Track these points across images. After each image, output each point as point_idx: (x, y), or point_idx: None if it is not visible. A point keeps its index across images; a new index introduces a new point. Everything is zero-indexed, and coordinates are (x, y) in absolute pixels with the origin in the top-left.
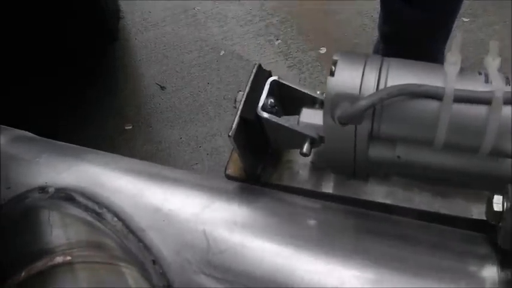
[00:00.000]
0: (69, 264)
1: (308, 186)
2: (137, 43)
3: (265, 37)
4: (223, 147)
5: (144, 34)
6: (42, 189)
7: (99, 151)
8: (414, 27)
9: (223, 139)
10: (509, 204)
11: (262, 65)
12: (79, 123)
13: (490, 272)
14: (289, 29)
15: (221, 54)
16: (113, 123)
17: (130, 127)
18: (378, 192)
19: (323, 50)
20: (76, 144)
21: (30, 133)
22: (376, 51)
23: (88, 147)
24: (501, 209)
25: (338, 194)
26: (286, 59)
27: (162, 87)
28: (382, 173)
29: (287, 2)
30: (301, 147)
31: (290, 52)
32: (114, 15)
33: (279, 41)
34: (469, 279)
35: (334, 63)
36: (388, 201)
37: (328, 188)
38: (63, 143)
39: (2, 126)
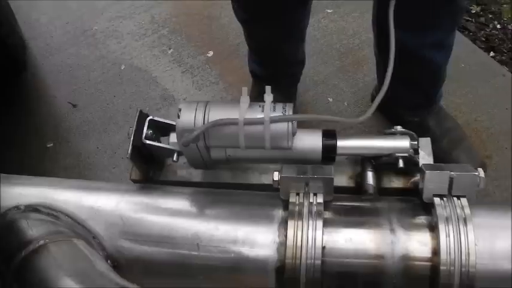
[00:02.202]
0: (44, 245)
1: (183, 179)
2: (45, 67)
3: (159, 48)
4: None
5: (50, 58)
6: (17, 207)
7: (46, 177)
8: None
9: None
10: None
11: (158, 74)
12: (1, 147)
13: (278, 213)
14: (179, 38)
15: (122, 68)
16: (34, 143)
17: (51, 144)
18: (225, 176)
19: (210, 54)
20: (4, 164)
21: None
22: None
23: (14, 166)
24: (277, 178)
25: (202, 181)
26: (180, 66)
27: (74, 105)
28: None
29: (174, 13)
30: (172, 157)
31: (182, 59)
32: (20, 47)
33: (172, 50)
34: (267, 217)
35: (179, 110)
36: (229, 181)
37: (196, 178)
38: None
39: None
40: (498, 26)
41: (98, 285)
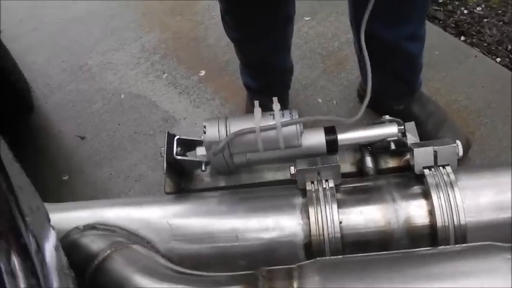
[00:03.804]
0: (110, 254)
1: (211, 185)
2: (48, 106)
3: (154, 74)
4: (146, 172)
5: (52, 97)
6: (76, 228)
7: (93, 200)
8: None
9: (145, 165)
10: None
11: (157, 98)
12: None
13: (299, 200)
14: (170, 62)
15: (122, 97)
16: (50, 178)
17: (67, 177)
18: (244, 178)
19: (203, 73)
20: None
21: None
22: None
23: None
24: (293, 171)
25: (227, 185)
26: (175, 88)
27: (82, 138)
28: (244, 167)
29: (162, 39)
30: (201, 168)
31: (177, 81)
32: (27, 90)
33: (166, 74)
34: (290, 206)
35: (204, 126)
36: (250, 181)
37: (221, 183)
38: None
39: None
40: (465, 12)
41: (165, 274)
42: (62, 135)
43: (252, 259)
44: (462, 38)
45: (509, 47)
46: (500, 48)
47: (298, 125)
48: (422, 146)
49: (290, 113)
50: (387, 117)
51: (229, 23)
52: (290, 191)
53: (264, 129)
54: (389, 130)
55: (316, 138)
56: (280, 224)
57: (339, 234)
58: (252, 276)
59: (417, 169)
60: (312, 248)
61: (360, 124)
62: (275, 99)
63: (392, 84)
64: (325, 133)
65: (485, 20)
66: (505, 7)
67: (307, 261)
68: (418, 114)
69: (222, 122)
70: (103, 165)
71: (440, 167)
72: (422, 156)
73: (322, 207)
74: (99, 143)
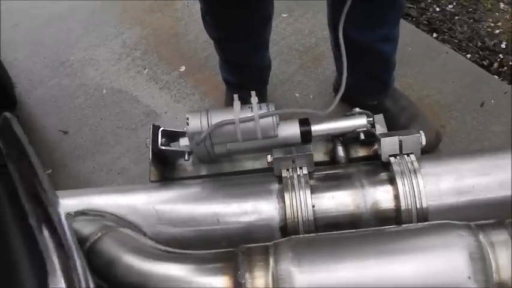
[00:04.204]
0: (101, 237)
1: (193, 174)
2: (31, 101)
3: (135, 69)
4: (128, 165)
5: (34, 92)
6: (68, 214)
7: (81, 189)
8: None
9: (128, 159)
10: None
11: (138, 93)
12: None
13: (275, 186)
14: (151, 58)
15: (104, 92)
16: None
17: (50, 171)
18: (225, 167)
19: (183, 68)
20: None
21: None
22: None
23: None
24: (270, 160)
25: (208, 173)
26: (156, 83)
27: (65, 132)
28: (225, 157)
29: (143, 35)
30: (184, 157)
31: (157, 76)
32: (10, 86)
33: (147, 69)
34: (267, 191)
35: (187, 118)
36: (230, 170)
37: (203, 171)
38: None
39: None
40: (437, 9)
41: (152, 253)
42: (44, 130)
43: (232, 241)
44: (434, 35)
45: (479, 43)
46: (470, 44)
47: (274, 117)
48: (389, 136)
49: (267, 106)
50: (357, 109)
51: (210, 22)
52: (267, 178)
53: (243, 120)
54: (359, 122)
55: (291, 130)
56: (258, 209)
57: (312, 218)
58: (232, 253)
59: (384, 157)
60: (288, 230)
61: (333, 116)
62: (253, 92)
63: (366, 82)
64: (299, 124)
65: (457, 17)
66: (475, 5)
67: (282, 239)
68: (391, 109)
69: (204, 114)
70: (86, 159)
71: (405, 155)
72: (388, 145)
73: (297, 193)
74: (81, 138)
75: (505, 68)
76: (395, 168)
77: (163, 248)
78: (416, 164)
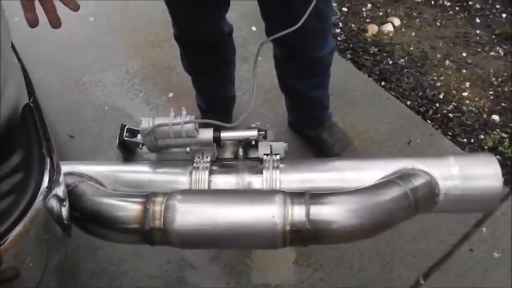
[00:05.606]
0: (78, 184)
1: (146, 159)
2: (47, 110)
3: (133, 92)
4: None
5: (51, 102)
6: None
7: (71, 161)
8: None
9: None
10: (189, 150)
11: (133, 112)
12: None
13: (190, 167)
14: (147, 84)
15: (106, 109)
16: None
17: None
18: (166, 155)
19: (171, 95)
20: None
21: None
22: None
23: None
24: (188, 151)
25: (156, 159)
26: (148, 105)
27: (72, 136)
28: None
29: (143, 65)
30: (139, 147)
31: (150, 100)
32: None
33: (142, 93)
34: (184, 169)
35: (141, 120)
36: (169, 158)
37: (152, 157)
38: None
39: None
40: (390, 62)
41: (110, 191)
42: (56, 133)
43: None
44: (383, 83)
45: (420, 93)
46: (412, 93)
47: (194, 124)
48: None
49: (191, 116)
50: (253, 125)
51: (184, 61)
52: (185, 162)
53: (173, 124)
54: (251, 133)
55: (207, 134)
56: (177, 178)
57: (207, 188)
58: (147, 196)
59: (260, 155)
60: None
61: (239, 128)
62: (171, 109)
63: (304, 118)
64: (213, 131)
65: (406, 70)
66: (424, 60)
67: (179, 189)
68: (327, 139)
69: (151, 118)
70: (86, 159)
71: (273, 155)
72: (263, 148)
73: (200, 172)
74: (84, 142)
75: (438, 115)
76: (266, 163)
77: (113, 191)
78: (279, 162)
